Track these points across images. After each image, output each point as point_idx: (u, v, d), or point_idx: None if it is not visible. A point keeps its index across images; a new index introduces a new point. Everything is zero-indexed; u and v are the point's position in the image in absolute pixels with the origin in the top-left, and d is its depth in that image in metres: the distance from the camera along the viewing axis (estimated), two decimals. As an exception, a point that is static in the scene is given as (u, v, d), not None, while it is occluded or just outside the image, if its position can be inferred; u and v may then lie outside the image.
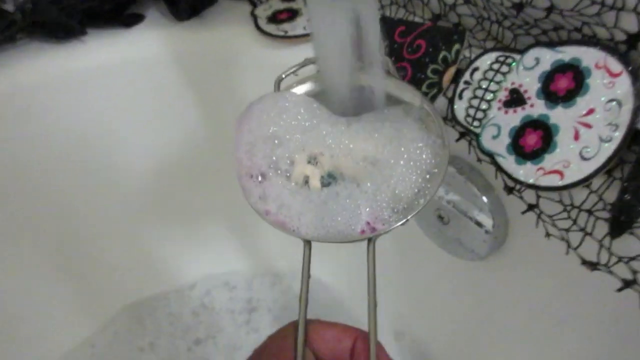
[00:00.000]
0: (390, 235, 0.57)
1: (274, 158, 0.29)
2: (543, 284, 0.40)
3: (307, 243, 0.27)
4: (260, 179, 0.29)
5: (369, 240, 0.27)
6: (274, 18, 0.53)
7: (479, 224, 0.42)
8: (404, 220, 0.27)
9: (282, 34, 0.51)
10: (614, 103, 0.34)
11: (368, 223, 0.27)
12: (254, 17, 0.54)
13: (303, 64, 0.33)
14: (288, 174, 0.29)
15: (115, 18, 0.55)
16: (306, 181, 0.29)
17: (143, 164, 0.64)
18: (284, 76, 0.33)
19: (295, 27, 0.51)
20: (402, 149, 0.28)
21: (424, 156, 0.28)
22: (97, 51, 0.54)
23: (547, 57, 0.38)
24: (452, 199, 0.44)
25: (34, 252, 0.64)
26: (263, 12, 0.54)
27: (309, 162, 0.29)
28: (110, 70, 0.56)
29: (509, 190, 0.38)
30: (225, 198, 0.59)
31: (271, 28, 0.52)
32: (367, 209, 0.27)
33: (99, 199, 0.65)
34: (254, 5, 0.56)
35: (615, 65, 0.35)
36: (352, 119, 0.31)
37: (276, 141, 0.29)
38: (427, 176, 0.28)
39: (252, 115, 0.30)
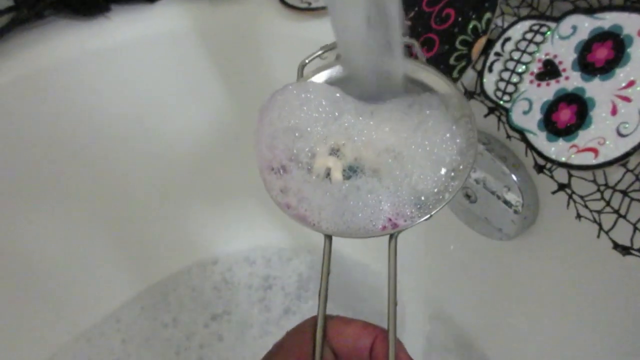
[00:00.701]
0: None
1: (295, 151, 0.28)
2: (574, 266, 0.38)
3: (328, 237, 0.27)
4: (281, 171, 0.28)
5: (391, 236, 0.26)
6: (298, -11, 0.52)
7: (507, 203, 0.41)
8: (427, 217, 0.26)
9: (305, 5, 0.49)
10: (658, 74, 0.31)
11: (389, 219, 0.26)
12: (277, -11, 0.53)
13: (325, 49, 0.32)
14: (309, 167, 0.28)
15: (139, -7, 0.54)
16: (328, 173, 0.28)
17: (171, 139, 0.64)
18: (307, 61, 0.32)
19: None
20: (426, 142, 0.27)
21: (449, 150, 0.26)
22: (121, 27, 0.54)
23: (586, 25, 0.35)
24: (479, 177, 0.42)
25: (68, 220, 0.66)
26: (287, -17, 0.53)
27: (330, 153, 0.28)
28: (135, 46, 0.56)
29: (540, 168, 0.36)
30: (251, 174, 0.59)
31: (295, 0, 0.50)
32: (389, 205, 0.26)
33: (129, 174, 0.66)
34: (278, -23, 0.54)
35: (660, 32, 0.32)
36: (375, 107, 0.29)
37: (297, 134, 0.29)
38: (452, 173, 0.26)
39: (273, 107, 0.29)
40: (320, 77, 0.32)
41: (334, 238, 0.27)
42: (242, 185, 0.69)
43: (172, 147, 0.65)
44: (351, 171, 0.28)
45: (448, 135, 0.27)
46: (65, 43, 0.55)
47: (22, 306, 0.65)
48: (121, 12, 0.54)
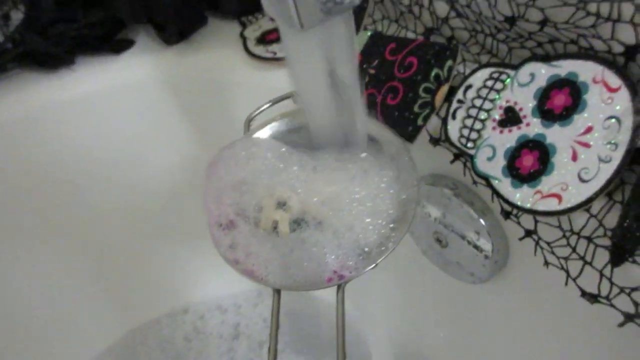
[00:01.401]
0: (390, 254, 0.55)
1: (242, 205, 0.28)
2: (545, 311, 0.38)
3: (277, 292, 0.27)
4: (229, 227, 0.28)
5: (338, 286, 0.26)
6: (263, 39, 0.52)
7: (478, 248, 0.41)
8: (373, 266, 0.26)
9: (270, 55, 0.50)
10: (613, 120, 0.32)
11: (335, 271, 0.26)
12: (243, 39, 0.53)
13: (273, 102, 0.33)
14: (256, 221, 0.28)
15: (104, 44, 0.54)
16: (275, 226, 0.28)
17: (138, 186, 0.63)
18: (253, 115, 0.33)
19: (285, 48, 0.50)
20: (363, 193, 0.27)
21: (386, 201, 0.26)
22: (86, 79, 0.54)
23: (543, 72, 0.36)
24: (449, 222, 0.42)
25: (37, 267, 0.64)
26: (252, 32, 0.53)
27: (277, 207, 0.28)
28: (101, 97, 0.55)
29: (506, 215, 0.36)
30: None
31: (260, 50, 0.51)
32: (333, 257, 0.27)
33: (99, 221, 0.65)
34: (244, 26, 0.55)
35: (613, 79, 0.33)
36: (321, 160, 0.30)
37: (244, 188, 0.29)
38: (392, 225, 0.26)
39: (221, 162, 0.30)
40: (266, 132, 0.33)
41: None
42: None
43: (140, 193, 0.63)
44: (296, 224, 0.28)
45: (383, 185, 0.27)
46: (31, 95, 0.55)
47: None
48: (86, 64, 0.54)
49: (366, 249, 0.27)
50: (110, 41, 0.55)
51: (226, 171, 0.30)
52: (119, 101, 0.55)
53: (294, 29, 0.27)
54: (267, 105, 0.33)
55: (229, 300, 0.74)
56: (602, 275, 0.30)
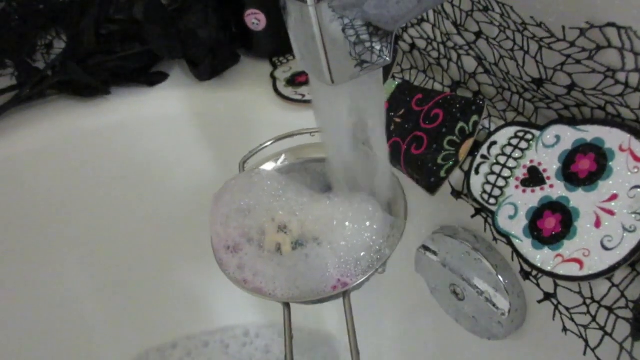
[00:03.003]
0: (406, 305, 0.54)
1: (246, 229, 0.32)
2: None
3: (286, 305, 0.29)
4: (235, 249, 0.31)
5: (344, 294, 0.28)
6: (293, 81, 0.53)
7: (495, 305, 0.40)
8: (372, 272, 0.29)
9: (299, 97, 0.51)
10: (639, 190, 0.32)
11: (338, 280, 0.29)
12: (273, 79, 0.54)
13: (263, 146, 0.38)
14: (261, 244, 0.31)
15: (139, 76, 0.56)
16: (278, 248, 0.31)
17: (159, 210, 0.64)
18: (248, 158, 0.38)
19: (313, 91, 0.51)
20: (359, 213, 0.32)
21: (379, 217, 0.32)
22: (120, 108, 0.56)
23: (569, 135, 0.36)
24: (467, 276, 0.42)
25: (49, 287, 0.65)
26: (282, 74, 0.55)
27: (278, 230, 0.31)
28: (133, 125, 0.57)
29: (526, 275, 0.36)
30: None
31: (289, 91, 0.52)
32: (335, 267, 0.29)
33: (119, 241, 0.66)
34: (275, 67, 0.57)
35: (640, 148, 0.33)
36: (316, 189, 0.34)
37: (247, 212, 0.32)
38: (385, 235, 0.32)
39: (226, 191, 0.33)
40: (267, 166, 0.37)
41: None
42: (207, 269, 0.69)
43: (158, 226, 0.65)
44: (298, 244, 0.31)
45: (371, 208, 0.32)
46: (67, 121, 0.57)
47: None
48: (121, 94, 0.56)
49: (365, 258, 0.30)
50: (145, 74, 0.57)
51: (231, 198, 0.33)
52: (149, 130, 0.57)
53: (325, 83, 0.28)
54: (261, 148, 0.37)
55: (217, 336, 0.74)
56: (622, 348, 0.29)
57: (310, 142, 0.41)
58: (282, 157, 0.38)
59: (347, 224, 0.32)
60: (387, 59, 0.28)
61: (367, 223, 0.32)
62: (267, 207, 0.33)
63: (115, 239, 0.66)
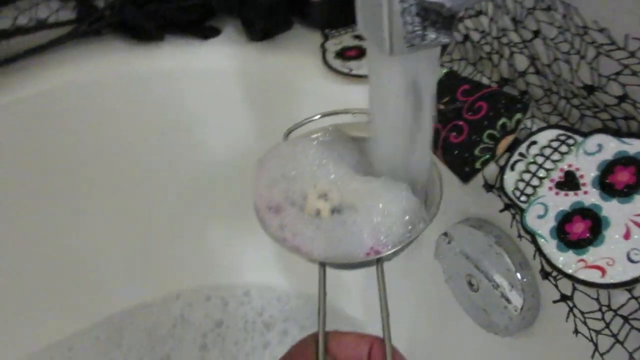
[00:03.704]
0: (418, 289, 0.55)
1: (289, 193, 0.33)
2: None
3: (322, 265, 0.31)
4: (277, 210, 0.33)
5: (377, 261, 0.30)
6: (342, 54, 0.54)
7: (508, 301, 0.41)
8: (405, 243, 0.31)
9: (346, 70, 0.52)
10: (675, 209, 0.32)
11: (372, 247, 0.31)
12: (323, 50, 0.55)
13: (308, 120, 0.40)
14: (302, 207, 0.33)
15: (193, 29, 0.57)
16: (317, 213, 0.33)
17: (191, 164, 0.66)
18: (292, 129, 0.39)
19: (361, 66, 0.52)
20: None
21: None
22: (171, 56, 0.57)
23: (611, 146, 0.36)
24: (485, 268, 0.43)
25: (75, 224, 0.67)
26: (333, 46, 0.55)
27: (319, 197, 0.33)
28: (181, 75, 0.59)
29: (545, 275, 0.37)
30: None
31: (337, 64, 0.53)
32: (370, 235, 0.31)
33: (145, 191, 0.68)
34: (326, 38, 0.57)
35: (682, 168, 0.33)
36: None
37: (292, 178, 0.34)
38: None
39: (272, 157, 0.35)
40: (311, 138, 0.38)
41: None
42: (231, 222, 0.70)
43: (192, 170, 0.66)
44: (336, 211, 0.33)
45: (404, 201, 0.33)
46: (116, 61, 0.58)
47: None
48: (173, 43, 0.57)
49: (398, 231, 0.32)
50: (199, 27, 0.58)
51: (276, 164, 0.35)
52: (196, 83, 0.58)
53: (383, 52, 0.28)
54: (305, 122, 0.39)
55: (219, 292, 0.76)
56: (631, 357, 0.30)
57: (352, 120, 0.42)
58: (324, 132, 0.39)
59: (384, 197, 0.33)
60: (447, 39, 0.29)
61: (404, 200, 0.34)
62: (310, 174, 0.35)
63: (142, 186, 0.68)
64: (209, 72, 0.57)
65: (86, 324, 0.72)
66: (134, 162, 0.65)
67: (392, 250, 0.31)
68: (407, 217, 0.33)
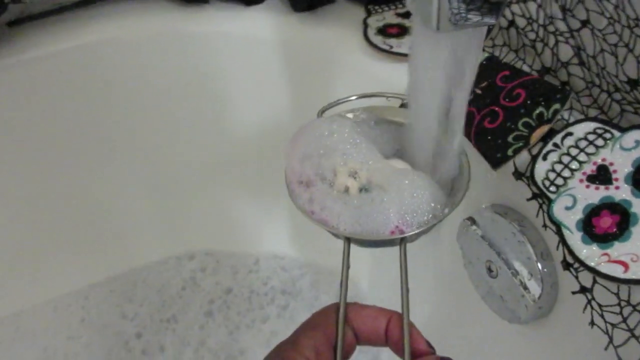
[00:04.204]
0: (437, 271, 0.56)
1: (320, 169, 0.34)
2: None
3: (347, 240, 0.32)
4: (307, 184, 0.34)
5: (401, 241, 0.31)
6: (384, 30, 0.54)
7: (526, 289, 0.41)
8: (430, 225, 0.32)
9: (387, 48, 0.52)
10: None
11: (397, 226, 0.32)
12: (365, 25, 0.55)
13: (344, 100, 0.40)
14: (331, 183, 0.34)
15: (238, -6, 0.58)
16: (346, 189, 0.34)
17: (223, 130, 0.67)
18: (328, 107, 0.40)
19: (401, 45, 0.52)
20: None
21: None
22: (214, 20, 0.58)
23: (649, 143, 0.36)
24: (506, 256, 0.43)
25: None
26: (375, 22, 0.55)
27: (349, 175, 0.34)
28: (221, 39, 0.59)
29: (567, 265, 0.37)
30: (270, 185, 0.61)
31: (378, 40, 0.53)
32: (396, 214, 0.32)
33: (175, 151, 0.70)
34: (369, 13, 0.57)
35: None
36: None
37: (323, 155, 0.35)
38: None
39: (305, 133, 0.36)
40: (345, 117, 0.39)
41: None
42: (256, 193, 0.71)
43: (223, 135, 0.68)
44: (364, 190, 0.34)
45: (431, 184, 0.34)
46: (158, 19, 0.59)
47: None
48: (217, 6, 0.58)
49: (424, 213, 0.32)
50: (243, -8, 0.58)
51: (310, 140, 0.36)
52: (236, 48, 0.59)
53: (430, 28, 0.28)
54: (340, 101, 0.40)
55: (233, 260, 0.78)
56: (645, 351, 0.30)
57: (386, 104, 0.42)
58: (360, 112, 0.40)
59: (412, 179, 0.34)
60: (494, 19, 0.29)
61: (431, 184, 0.34)
62: (342, 152, 0.35)
63: (173, 146, 0.70)
64: (249, 39, 0.58)
65: (103, 275, 0.76)
66: (167, 122, 0.67)
67: (416, 231, 0.32)
68: (432, 202, 0.33)
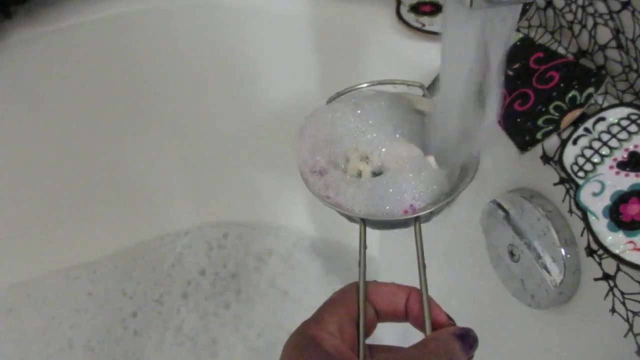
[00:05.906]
0: (458, 252, 0.55)
1: (332, 157, 0.35)
2: (593, 356, 0.38)
3: (362, 222, 0.32)
4: (321, 173, 0.35)
5: (415, 220, 0.32)
6: (417, 8, 0.53)
7: (548, 274, 0.41)
8: (442, 204, 0.32)
9: (419, 25, 0.51)
10: None
11: (411, 205, 0.32)
12: (398, 3, 0.54)
13: (355, 87, 0.40)
14: (344, 169, 0.35)
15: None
16: (359, 174, 0.35)
17: (247, 105, 0.68)
18: (335, 97, 0.39)
19: (433, 23, 0.51)
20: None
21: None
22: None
23: (685, 131, 0.35)
24: (529, 240, 0.42)
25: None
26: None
27: (361, 159, 0.35)
28: (249, 14, 0.59)
29: (590, 252, 0.36)
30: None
31: (410, 17, 0.52)
32: (409, 194, 0.32)
33: (204, 122, 0.71)
34: (402, -10, 0.56)
35: None
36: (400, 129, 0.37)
37: (334, 142, 0.36)
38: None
39: (312, 123, 0.37)
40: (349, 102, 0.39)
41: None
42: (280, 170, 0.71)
43: (247, 109, 0.68)
44: (377, 173, 0.35)
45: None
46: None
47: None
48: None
49: (436, 192, 0.33)
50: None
51: (317, 130, 0.37)
52: (267, 22, 0.59)
53: (463, 5, 0.28)
54: (366, 85, 0.39)
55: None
56: (665, 340, 0.29)
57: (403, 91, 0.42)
58: (364, 97, 0.40)
59: (423, 161, 0.34)
60: (529, -2, 0.28)
61: (443, 164, 0.35)
62: (352, 138, 0.36)
63: (201, 121, 0.71)
64: (281, 14, 0.58)
65: (111, 250, 0.78)
66: (197, 93, 0.68)
67: (430, 210, 0.32)
68: (444, 182, 0.34)
